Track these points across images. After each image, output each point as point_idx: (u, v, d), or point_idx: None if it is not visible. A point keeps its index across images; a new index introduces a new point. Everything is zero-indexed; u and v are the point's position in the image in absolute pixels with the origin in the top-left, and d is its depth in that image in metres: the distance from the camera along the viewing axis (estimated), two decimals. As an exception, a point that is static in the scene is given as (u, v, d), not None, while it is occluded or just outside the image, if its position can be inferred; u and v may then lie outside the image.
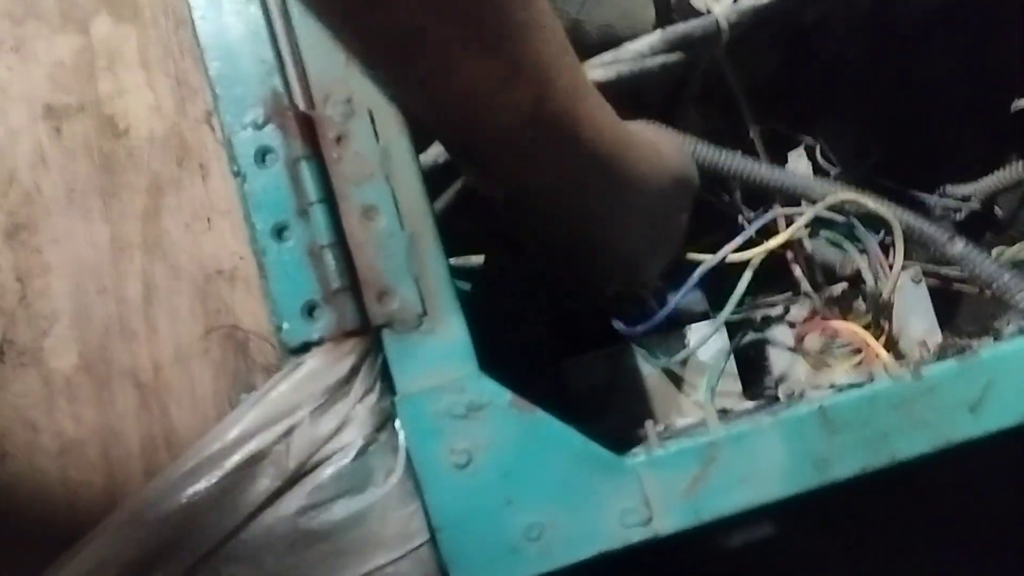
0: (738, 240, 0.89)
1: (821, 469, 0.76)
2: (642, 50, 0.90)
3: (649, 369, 1.03)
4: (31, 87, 0.82)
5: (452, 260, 1.00)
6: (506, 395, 0.75)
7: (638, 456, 0.76)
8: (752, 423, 0.76)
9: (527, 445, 0.75)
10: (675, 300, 0.89)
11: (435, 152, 0.90)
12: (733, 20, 0.89)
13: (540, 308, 1.15)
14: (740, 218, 1.08)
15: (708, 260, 0.89)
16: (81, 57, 0.82)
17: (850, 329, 0.89)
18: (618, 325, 0.95)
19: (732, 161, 0.95)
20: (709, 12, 0.89)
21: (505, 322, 1.15)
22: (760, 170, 0.96)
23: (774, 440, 0.76)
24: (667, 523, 0.74)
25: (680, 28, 0.90)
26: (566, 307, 1.12)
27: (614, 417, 1.04)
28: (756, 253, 0.89)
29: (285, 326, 0.74)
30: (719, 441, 0.76)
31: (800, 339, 0.94)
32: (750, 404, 0.99)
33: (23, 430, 0.79)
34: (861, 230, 0.93)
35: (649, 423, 0.94)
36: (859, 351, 0.91)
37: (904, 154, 1.22)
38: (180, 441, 0.80)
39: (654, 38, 0.90)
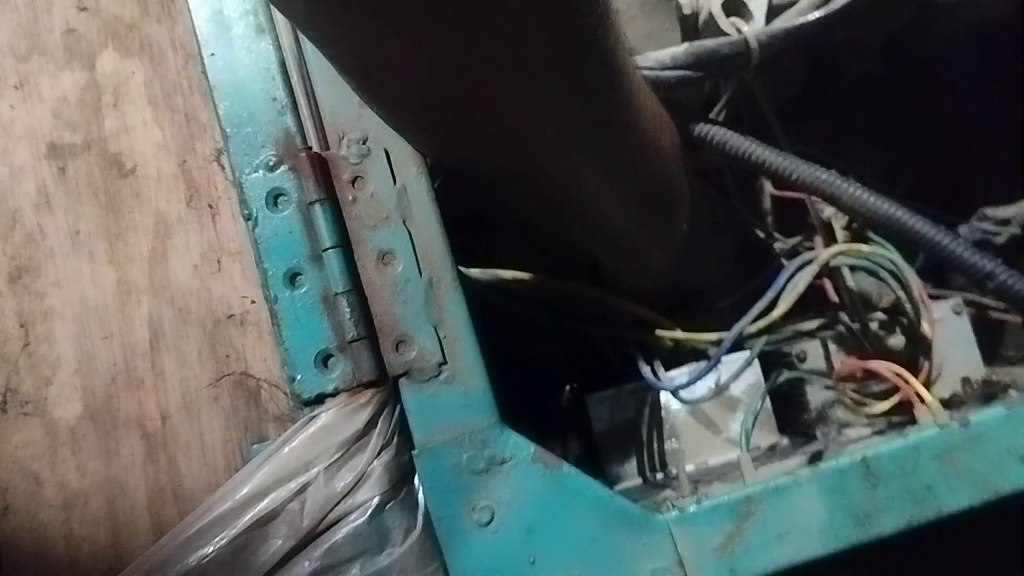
0: (759, 306, 0.86)
1: (864, 525, 0.72)
2: (663, 60, 0.86)
3: (677, 405, 0.99)
4: (35, 125, 0.79)
5: (477, 271, 0.97)
6: (530, 448, 0.71)
7: (670, 512, 0.71)
8: (790, 476, 0.72)
9: (552, 501, 0.71)
10: (713, 359, 0.86)
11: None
12: (764, 41, 0.85)
13: (556, 333, 1.11)
14: (777, 251, 1.05)
15: (738, 324, 0.86)
16: (86, 93, 0.79)
17: (889, 369, 0.84)
18: (646, 373, 0.91)
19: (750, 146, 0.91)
20: (739, 33, 0.85)
21: (522, 345, 1.12)
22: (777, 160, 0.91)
23: (814, 494, 0.72)
24: (701, 583, 0.70)
25: (708, 43, 0.85)
26: (582, 333, 1.08)
27: (641, 454, 1.00)
28: (774, 317, 0.86)
29: (299, 377, 0.71)
30: (755, 496, 0.72)
31: (838, 378, 0.90)
32: (785, 441, 0.95)
33: (25, 482, 0.76)
34: (899, 260, 0.89)
35: (681, 464, 0.91)
36: (898, 389, 0.86)
37: (939, 177, 1.18)
38: (188, 493, 0.77)
39: (679, 50, 0.86)
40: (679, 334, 0.92)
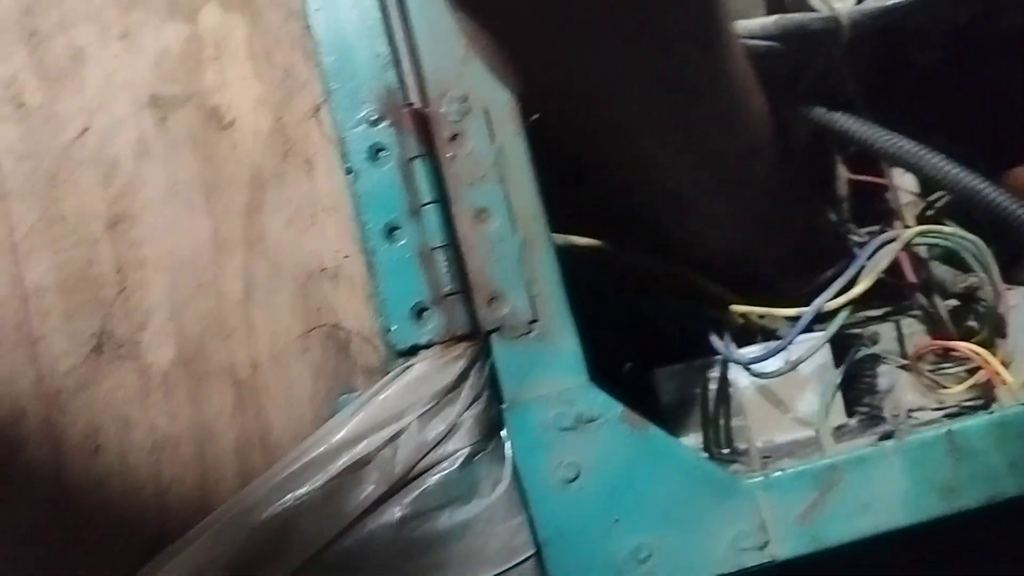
0: (839, 282, 0.87)
1: (947, 498, 0.72)
2: (753, 29, 0.87)
3: (745, 382, 0.99)
4: (137, 76, 0.80)
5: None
6: (618, 408, 0.72)
7: (755, 477, 0.72)
8: (875, 447, 0.73)
9: (638, 462, 0.72)
10: (792, 334, 0.86)
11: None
12: (855, 19, 0.85)
13: (621, 305, 1.11)
14: (850, 238, 1.05)
15: (818, 300, 0.87)
16: (188, 47, 0.81)
17: (972, 349, 0.84)
18: (719, 347, 0.91)
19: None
20: (818, 11, 0.86)
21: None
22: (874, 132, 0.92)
23: (897, 466, 0.72)
24: (784, 548, 0.71)
25: (797, 17, 0.86)
26: (648, 306, 1.08)
27: (708, 429, 1.00)
28: (854, 294, 0.86)
29: (394, 328, 0.72)
30: (840, 465, 0.72)
31: (916, 356, 0.90)
32: (853, 422, 0.95)
33: (116, 424, 0.78)
34: (981, 243, 0.89)
35: (751, 439, 0.91)
36: (974, 371, 0.86)
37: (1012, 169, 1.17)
38: (275, 442, 0.78)
39: (769, 21, 0.86)
40: (755, 309, 0.93)
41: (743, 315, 0.97)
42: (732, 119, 0.83)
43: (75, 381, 0.78)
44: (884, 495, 0.72)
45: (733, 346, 0.97)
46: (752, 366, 0.92)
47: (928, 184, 0.90)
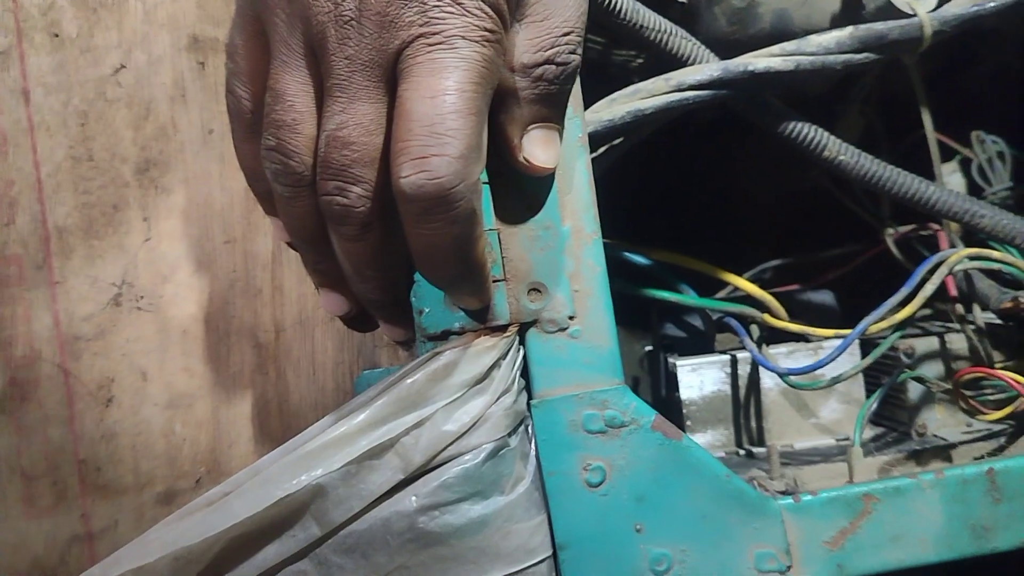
0: (888, 305, 0.83)
1: (980, 538, 0.70)
2: (829, 45, 0.82)
3: (768, 383, 0.97)
4: (179, 14, 0.76)
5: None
6: (651, 416, 0.69)
7: (784, 499, 0.70)
8: (912, 479, 0.70)
9: (667, 471, 0.69)
10: (832, 355, 0.83)
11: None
12: (937, 27, 0.81)
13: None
14: (886, 235, 1.01)
15: (863, 323, 0.83)
16: (235, -12, 0.76)
17: (1015, 379, 0.81)
18: (754, 352, 0.88)
19: (886, 172, 0.87)
20: (913, 14, 0.80)
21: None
22: (915, 185, 0.88)
23: (934, 500, 0.70)
24: (807, 574, 0.69)
25: (876, 28, 0.81)
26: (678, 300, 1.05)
27: (727, 427, 0.98)
28: (899, 319, 0.83)
29: (426, 310, 0.69)
30: (875, 493, 0.70)
31: (956, 380, 0.87)
32: (874, 433, 0.94)
33: (132, 376, 0.76)
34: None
35: (773, 444, 0.89)
36: (1014, 399, 0.83)
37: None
38: (294, 409, 0.76)
39: (844, 34, 0.82)
40: (793, 326, 0.90)
41: (784, 328, 0.94)
42: None
43: (92, 329, 0.75)
44: (916, 529, 0.70)
45: (767, 351, 0.94)
46: (789, 376, 0.89)
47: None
